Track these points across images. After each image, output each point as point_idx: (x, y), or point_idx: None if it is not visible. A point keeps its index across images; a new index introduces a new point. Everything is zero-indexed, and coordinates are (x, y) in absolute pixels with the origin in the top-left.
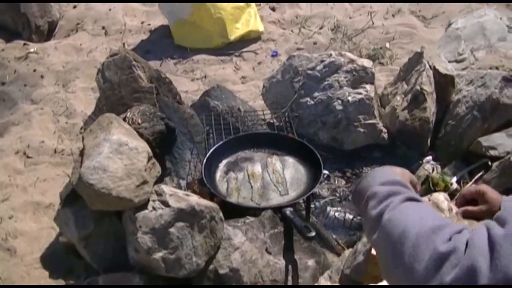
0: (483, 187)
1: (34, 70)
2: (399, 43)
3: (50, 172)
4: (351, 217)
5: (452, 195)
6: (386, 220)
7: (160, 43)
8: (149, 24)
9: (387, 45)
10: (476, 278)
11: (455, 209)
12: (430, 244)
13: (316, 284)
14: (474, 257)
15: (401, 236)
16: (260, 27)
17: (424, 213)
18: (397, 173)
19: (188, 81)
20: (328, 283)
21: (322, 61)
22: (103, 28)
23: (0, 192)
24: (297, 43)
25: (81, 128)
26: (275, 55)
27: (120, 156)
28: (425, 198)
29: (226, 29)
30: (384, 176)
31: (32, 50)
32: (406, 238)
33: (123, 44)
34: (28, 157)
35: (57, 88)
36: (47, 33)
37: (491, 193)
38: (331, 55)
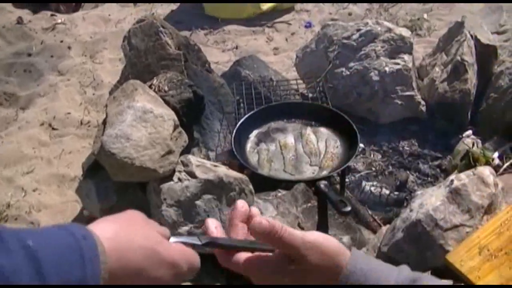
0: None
1: (61, 41)
2: (438, 14)
3: (76, 144)
4: (387, 192)
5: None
6: None
7: (190, 13)
8: None
9: (425, 16)
10: None
11: (501, 184)
12: None
13: None
14: None
15: None
16: None
17: None
18: None
19: (219, 52)
20: None
21: (358, 30)
22: None
23: (25, 164)
24: (332, 14)
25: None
26: (308, 26)
27: (144, 124)
28: (469, 173)
29: None
30: None
31: (59, 21)
32: None
33: (152, 14)
34: (53, 129)
35: (84, 59)
36: (75, 4)
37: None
38: (367, 23)
